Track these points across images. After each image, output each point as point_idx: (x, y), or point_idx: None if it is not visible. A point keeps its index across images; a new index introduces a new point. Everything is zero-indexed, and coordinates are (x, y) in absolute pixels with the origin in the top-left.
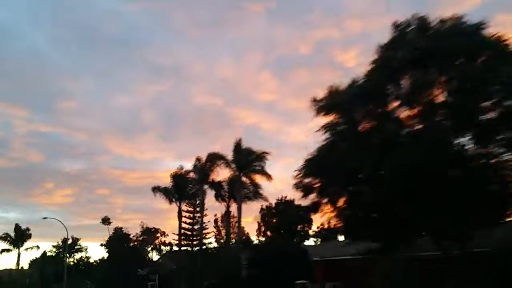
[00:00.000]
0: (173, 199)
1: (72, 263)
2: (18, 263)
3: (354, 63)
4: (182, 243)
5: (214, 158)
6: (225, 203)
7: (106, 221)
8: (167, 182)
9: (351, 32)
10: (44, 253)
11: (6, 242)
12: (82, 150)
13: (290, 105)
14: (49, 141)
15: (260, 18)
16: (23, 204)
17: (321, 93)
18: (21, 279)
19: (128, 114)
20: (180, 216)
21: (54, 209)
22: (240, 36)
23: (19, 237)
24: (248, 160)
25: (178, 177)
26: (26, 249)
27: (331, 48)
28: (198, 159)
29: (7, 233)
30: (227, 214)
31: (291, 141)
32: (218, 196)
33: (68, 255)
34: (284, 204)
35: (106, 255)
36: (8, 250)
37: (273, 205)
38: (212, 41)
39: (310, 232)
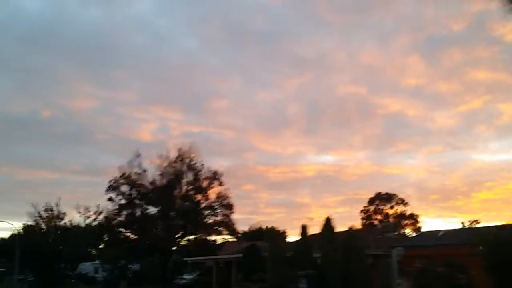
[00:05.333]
0: None
1: None
2: None
3: None
4: None
5: None
6: None
7: None
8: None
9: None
10: None
11: None
12: (231, 148)
13: (439, 89)
14: (201, 140)
15: None
16: None
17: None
18: None
19: (273, 109)
20: None
21: None
22: (387, 18)
23: None
24: None
25: None
26: None
27: (488, 22)
28: None
29: None
30: None
31: (438, 128)
32: None
33: None
34: None
35: None
36: None
37: None
38: (357, 27)
39: None
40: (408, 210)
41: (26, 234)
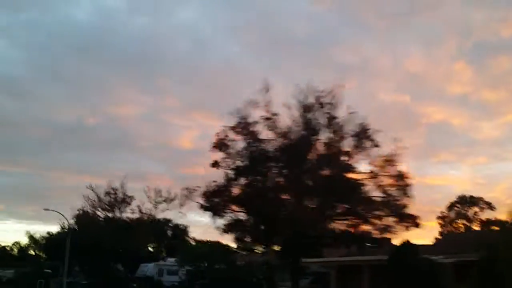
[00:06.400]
0: None
1: None
2: None
3: None
4: None
5: None
6: None
7: None
8: None
9: None
10: None
11: None
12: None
13: (486, 97)
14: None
15: (456, 1)
16: None
17: None
18: None
19: None
20: None
21: None
22: (433, 24)
23: None
24: None
25: None
26: None
27: None
28: None
29: None
30: None
31: (483, 138)
32: None
33: None
34: None
35: None
36: None
37: None
38: (401, 33)
39: None
40: (495, 215)
41: (79, 226)
